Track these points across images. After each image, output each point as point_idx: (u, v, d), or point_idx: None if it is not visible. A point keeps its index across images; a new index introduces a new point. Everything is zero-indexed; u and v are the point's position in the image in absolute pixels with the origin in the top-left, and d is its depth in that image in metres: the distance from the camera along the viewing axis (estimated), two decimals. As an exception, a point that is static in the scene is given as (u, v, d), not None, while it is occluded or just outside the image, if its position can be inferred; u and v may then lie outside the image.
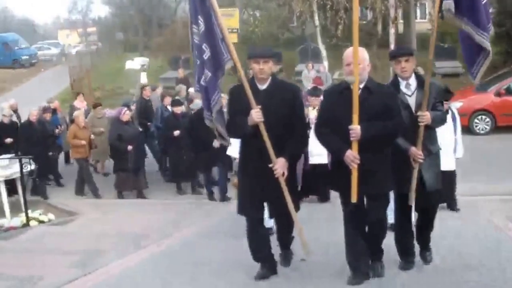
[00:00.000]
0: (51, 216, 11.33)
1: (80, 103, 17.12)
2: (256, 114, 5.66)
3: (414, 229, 6.72)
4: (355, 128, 5.54)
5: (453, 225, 8.54)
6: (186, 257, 7.26)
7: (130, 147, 12.38)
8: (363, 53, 5.78)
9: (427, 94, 6.06)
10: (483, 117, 18.24)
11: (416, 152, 6.10)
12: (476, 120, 18.28)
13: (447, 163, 9.12)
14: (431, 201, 6.47)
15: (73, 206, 12.07)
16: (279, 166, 5.73)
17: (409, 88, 6.19)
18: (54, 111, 15.12)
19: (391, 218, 6.96)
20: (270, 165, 5.71)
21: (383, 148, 5.77)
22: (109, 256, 7.47)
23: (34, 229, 10.14)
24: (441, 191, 6.66)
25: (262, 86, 5.88)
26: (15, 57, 44.24)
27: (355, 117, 5.53)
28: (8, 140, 13.46)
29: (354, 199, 5.61)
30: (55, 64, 47.30)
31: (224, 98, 6.74)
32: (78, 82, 31.06)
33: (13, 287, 6.17)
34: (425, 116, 6.05)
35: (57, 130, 14.50)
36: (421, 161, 6.14)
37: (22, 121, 14.50)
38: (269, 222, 7.48)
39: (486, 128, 18.06)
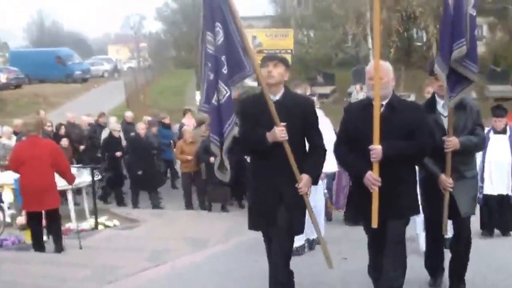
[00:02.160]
0: (116, 222, 12.66)
1: (188, 120, 18.03)
2: (280, 132, 5.40)
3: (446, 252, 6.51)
4: (376, 148, 5.28)
5: (502, 254, 8.30)
6: (240, 258, 8.09)
7: (212, 159, 13.25)
8: (387, 67, 5.55)
9: (451, 118, 5.86)
10: None
11: (445, 180, 5.91)
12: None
13: (501, 187, 9.50)
14: (463, 227, 6.21)
15: (134, 215, 13.36)
16: (304, 184, 5.55)
17: (446, 109, 5.99)
18: (164, 125, 16.79)
19: (422, 245, 7.08)
20: (296, 185, 5.51)
21: (407, 169, 5.55)
22: (175, 253, 8.65)
23: (103, 232, 11.42)
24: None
25: (275, 97, 5.59)
26: (68, 72, 45.69)
27: (376, 136, 5.28)
28: (118, 153, 14.92)
29: (374, 224, 5.37)
30: (107, 79, 49.12)
31: None
32: (133, 98, 32.60)
33: (97, 273, 7.36)
34: (451, 142, 5.85)
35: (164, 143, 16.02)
36: (450, 190, 5.93)
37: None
38: (300, 240, 7.74)
39: None
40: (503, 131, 9.67)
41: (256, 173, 5.71)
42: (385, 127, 5.28)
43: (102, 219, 12.48)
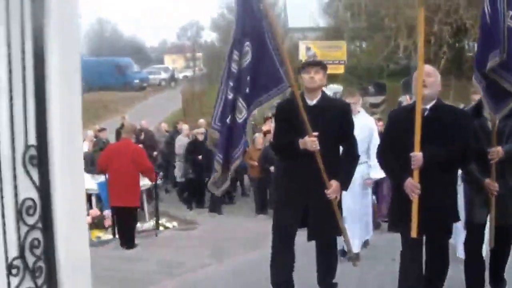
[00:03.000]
0: (174, 223, 13.43)
1: (268, 127, 18.39)
2: (311, 143, 5.47)
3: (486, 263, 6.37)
4: (416, 155, 5.20)
5: None
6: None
7: (272, 168, 13.95)
8: (434, 70, 5.60)
9: (495, 129, 5.75)
10: None
11: (491, 184, 5.81)
12: None
13: None
14: (504, 237, 6.07)
15: (191, 217, 14.12)
16: (333, 190, 5.61)
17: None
18: None
19: (461, 253, 6.92)
20: (325, 190, 5.58)
21: (449, 176, 5.46)
22: (234, 252, 9.33)
23: (164, 232, 12.21)
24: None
25: (312, 102, 5.69)
26: (127, 80, 47.12)
27: (417, 142, 5.21)
28: (200, 157, 15.68)
29: (414, 233, 5.24)
30: (164, 88, 50.27)
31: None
32: (189, 106, 33.55)
33: (164, 267, 8.10)
34: (495, 152, 5.74)
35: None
36: (495, 193, 5.82)
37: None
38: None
39: None
40: None
41: (286, 177, 5.80)
42: (428, 132, 5.20)
43: (162, 220, 13.23)
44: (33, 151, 3.66)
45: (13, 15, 3.50)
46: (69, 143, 3.92)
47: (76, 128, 4.08)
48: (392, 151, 5.50)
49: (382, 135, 5.92)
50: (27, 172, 3.63)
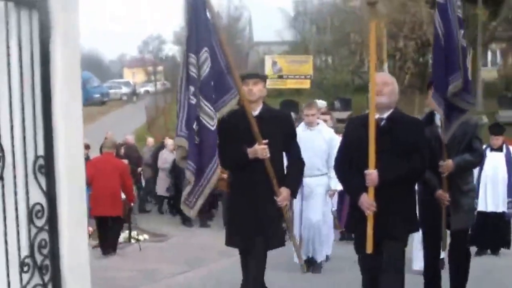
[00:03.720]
0: (146, 236, 13.95)
1: None
2: (262, 151, 5.49)
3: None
4: (371, 174, 5.18)
5: (496, 275, 8.49)
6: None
7: None
8: (391, 79, 5.61)
9: (444, 142, 5.89)
10: None
11: (442, 195, 5.99)
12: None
13: (495, 204, 9.67)
14: (457, 241, 6.27)
15: (161, 230, 14.65)
16: (283, 198, 5.64)
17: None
18: None
19: (420, 265, 7.33)
20: (275, 198, 5.61)
21: (405, 188, 5.46)
22: (208, 259, 9.87)
23: (136, 244, 12.72)
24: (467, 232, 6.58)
25: (254, 112, 5.68)
26: (87, 95, 46.09)
27: (372, 159, 5.20)
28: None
29: (369, 249, 5.26)
30: (125, 103, 50.45)
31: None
32: (154, 121, 33.92)
33: (145, 275, 8.63)
34: (444, 166, 5.91)
35: None
36: (447, 203, 6.01)
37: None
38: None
39: None
40: (499, 149, 9.95)
41: (235, 188, 5.79)
42: (384, 142, 5.18)
43: (133, 233, 13.73)
44: (41, 161, 4.20)
45: (23, 31, 4.06)
46: (71, 154, 4.47)
47: (78, 140, 4.66)
48: (349, 163, 5.48)
49: (339, 146, 5.83)
50: (37, 180, 4.17)
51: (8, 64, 3.98)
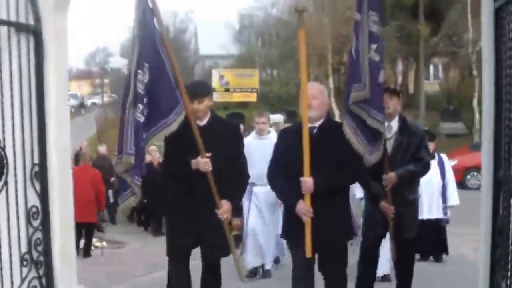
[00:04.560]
0: (104, 243, 14.34)
1: None
2: (204, 164, 5.31)
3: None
4: (307, 181, 5.10)
5: (438, 282, 8.44)
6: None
7: None
8: (321, 88, 5.53)
9: (387, 157, 5.65)
10: (475, 173, 20.89)
11: (386, 207, 5.88)
12: (468, 176, 21.09)
13: (431, 211, 9.48)
14: (405, 251, 6.17)
15: (118, 238, 15.03)
16: (224, 210, 5.44)
17: (389, 131, 5.91)
18: None
19: (383, 269, 7.23)
20: (216, 210, 5.39)
21: (340, 195, 5.37)
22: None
23: (96, 250, 13.11)
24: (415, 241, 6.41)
25: (201, 122, 5.49)
26: None
27: (306, 167, 5.12)
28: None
29: (308, 254, 5.16)
30: (73, 115, 50.32)
31: None
32: (104, 132, 34.10)
33: (111, 276, 9.06)
34: (388, 179, 5.74)
35: None
36: (392, 216, 5.89)
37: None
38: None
39: (477, 184, 20.30)
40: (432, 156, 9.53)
41: (177, 200, 5.54)
42: (317, 150, 5.14)
43: (93, 240, 14.09)
44: (37, 168, 4.75)
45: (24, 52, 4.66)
46: (61, 162, 5.03)
47: (66, 150, 5.23)
48: (282, 172, 5.39)
49: (272, 156, 5.64)
50: (33, 185, 4.73)
51: (11, 82, 4.52)
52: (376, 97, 5.39)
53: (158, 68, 5.23)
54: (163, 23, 5.53)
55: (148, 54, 5.19)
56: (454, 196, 9.80)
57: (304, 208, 5.15)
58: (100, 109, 44.14)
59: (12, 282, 4.48)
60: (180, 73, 5.49)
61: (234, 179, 5.60)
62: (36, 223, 4.76)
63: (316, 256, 5.36)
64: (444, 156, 10.05)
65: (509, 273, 3.83)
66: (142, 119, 5.16)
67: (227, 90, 35.82)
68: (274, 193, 7.84)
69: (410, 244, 6.28)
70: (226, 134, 5.63)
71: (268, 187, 7.82)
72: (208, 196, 5.37)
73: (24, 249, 4.63)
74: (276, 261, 9.07)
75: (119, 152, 5.30)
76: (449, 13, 34.68)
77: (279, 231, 8.25)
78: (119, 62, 62.93)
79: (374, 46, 5.44)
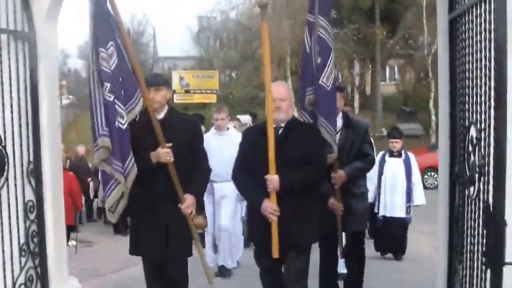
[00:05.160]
0: (73, 242, 14.58)
1: None
2: (165, 155, 5.16)
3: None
4: (272, 179, 5.01)
5: (397, 277, 8.49)
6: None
7: None
8: (287, 89, 5.36)
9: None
10: (433, 173, 21.74)
11: (335, 204, 5.96)
12: (426, 176, 21.75)
13: (396, 209, 9.54)
14: (353, 244, 6.30)
15: (87, 237, 15.28)
16: (188, 205, 5.31)
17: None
18: None
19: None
20: (179, 205, 5.26)
21: (306, 195, 5.23)
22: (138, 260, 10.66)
23: (70, 248, 13.36)
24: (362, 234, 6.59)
25: (159, 116, 5.35)
26: None
27: (272, 164, 5.01)
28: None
29: (275, 254, 5.07)
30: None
31: None
32: (66, 134, 34.00)
33: (85, 272, 9.34)
34: (336, 177, 5.82)
35: None
36: (340, 213, 5.98)
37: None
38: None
39: (435, 183, 21.02)
40: (399, 155, 9.84)
41: (139, 196, 5.32)
42: (282, 150, 5.07)
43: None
44: (32, 166, 5.14)
45: (20, 57, 5.06)
46: (53, 160, 5.42)
47: (58, 148, 5.62)
48: (247, 172, 5.32)
49: (236, 156, 5.55)
50: (29, 181, 5.11)
51: (10, 85, 4.90)
52: (320, 100, 5.67)
53: (119, 50, 5.09)
54: (117, 8, 5.23)
55: (110, 33, 5.04)
56: (420, 195, 9.88)
57: (270, 206, 5.05)
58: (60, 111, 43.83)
59: (12, 271, 4.84)
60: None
61: (195, 173, 5.53)
62: (32, 216, 5.13)
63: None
64: (411, 154, 10.08)
65: (464, 257, 4.25)
66: (111, 98, 4.97)
67: (187, 91, 36.14)
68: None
69: (360, 238, 6.46)
70: (185, 128, 5.49)
71: (230, 183, 7.71)
72: (171, 191, 5.26)
73: (22, 240, 4.99)
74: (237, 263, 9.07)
75: (95, 139, 5.05)
76: (405, 16, 35.69)
77: (239, 229, 8.91)
78: (77, 64, 62.58)
79: (318, 49, 5.67)
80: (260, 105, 38.83)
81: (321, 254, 6.38)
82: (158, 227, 5.28)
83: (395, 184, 9.65)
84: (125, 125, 5.05)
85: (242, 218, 8.94)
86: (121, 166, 5.05)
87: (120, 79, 5.03)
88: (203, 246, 9.23)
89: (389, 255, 10.09)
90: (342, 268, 7.13)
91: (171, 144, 5.20)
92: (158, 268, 5.47)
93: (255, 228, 5.41)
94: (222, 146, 8.10)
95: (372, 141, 6.60)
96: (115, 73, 4.98)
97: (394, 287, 7.98)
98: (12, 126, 4.92)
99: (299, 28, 31.97)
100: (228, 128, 8.70)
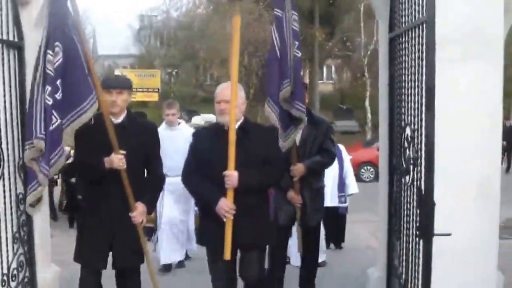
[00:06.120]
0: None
1: None
2: (118, 161, 5.03)
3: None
4: (231, 175, 4.93)
5: (338, 266, 8.69)
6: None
7: None
8: (239, 91, 5.18)
9: (295, 149, 5.78)
10: (368, 167, 22.61)
11: (294, 197, 6.09)
12: (362, 170, 22.58)
13: (330, 199, 9.36)
14: (311, 238, 6.40)
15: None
16: (138, 213, 5.17)
17: None
18: None
19: (294, 261, 7.50)
20: (130, 214, 5.14)
21: (261, 195, 5.26)
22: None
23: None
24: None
25: (117, 120, 5.22)
26: None
27: (231, 161, 4.95)
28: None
29: (227, 256, 4.97)
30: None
31: None
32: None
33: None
34: (295, 170, 5.90)
35: None
36: (299, 205, 6.10)
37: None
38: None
39: (370, 177, 22.24)
40: None
41: (90, 202, 5.27)
42: (237, 151, 4.98)
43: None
44: (21, 161, 5.65)
45: (12, 65, 5.54)
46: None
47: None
48: (198, 174, 5.24)
49: (187, 158, 5.46)
50: (20, 176, 5.62)
51: (4, 91, 5.41)
52: (299, 90, 5.82)
53: (71, 51, 4.97)
54: (77, 8, 5.20)
55: (61, 35, 4.93)
56: (353, 184, 10.01)
57: (227, 204, 4.97)
58: None
59: (8, 256, 5.30)
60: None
61: (149, 181, 5.43)
62: (22, 206, 5.53)
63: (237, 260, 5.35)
64: (341, 146, 10.11)
65: (401, 235, 5.14)
66: (50, 102, 4.88)
67: (130, 90, 36.37)
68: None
69: (316, 231, 6.58)
70: (142, 134, 5.37)
71: (180, 177, 7.95)
72: (122, 198, 5.14)
73: (15, 229, 5.45)
74: (186, 256, 9.10)
75: (28, 138, 5.02)
76: (343, 19, 36.77)
77: (189, 221, 9.01)
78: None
79: (296, 43, 5.82)
80: (201, 102, 39.42)
81: (270, 252, 6.33)
82: (104, 234, 5.18)
83: (329, 175, 9.32)
84: (54, 127, 4.91)
85: (195, 212, 8.98)
86: (47, 169, 4.95)
87: (59, 82, 4.91)
88: (149, 240, 9.28)
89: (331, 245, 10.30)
90: (296, 262, 7.40)
91: (125, 152, 5.10)
92: (96, 280, 5.37)
93: (207, 230, 5.29)
94: (174, 141, 8.14)
95: (334, 138, 6.67)
96: (56, 74, 4.90)
97: (336, 274, 8.34)
98: (6, 127, 5.34)
99: (241, 29, 32.54)
100: (179, 123, 8.76)
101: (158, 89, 36.52)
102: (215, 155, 5.10)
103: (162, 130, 8.27)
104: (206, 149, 5.21)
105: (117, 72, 37.65)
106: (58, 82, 4.89)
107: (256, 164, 5.08)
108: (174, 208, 8.63)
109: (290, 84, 5.72)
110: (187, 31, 39.65)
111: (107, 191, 5.17)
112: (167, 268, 8.56)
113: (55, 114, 4.88)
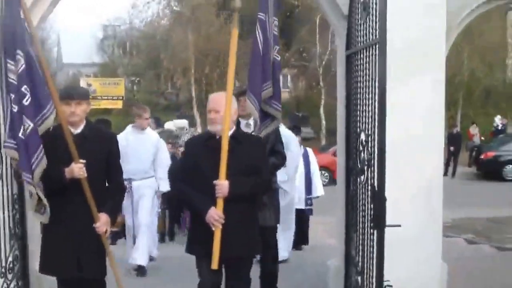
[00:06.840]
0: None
1: None
2: (78, 170, 4.89)
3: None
4: (222, 184, 4.86)
5: (300, 268, 8.56)
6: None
7: None
8: (222, 101, 5.03)
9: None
10: (323, 172, 22.27)
11: None
12: (318, 175, 23.03)
13: (298, 203, 9.44)
14: (267, 238, 6.25)
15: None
16: (102, 223, 5.02)
17: (249, 127, 6.15)
18: None
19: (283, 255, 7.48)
20: (94, 225, 4.98)
21: (250, 204, 5.16)
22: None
23: None
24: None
25: (76, 130, 5.08)
26: None
27: (222, 170, 4.87)
28: None
29: (214, 265, 4.90)
30: None
31: None
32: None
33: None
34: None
35: None
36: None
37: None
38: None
39: (325, 181, 22.02)
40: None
41: (54, 212, 5.05)
42: (229, 161, 4.92)
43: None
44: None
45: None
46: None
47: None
48: (187, 183, 5.16)
49: (181, 166, 5.41)
50: (15, 178, 5.88)
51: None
52: (277, 90, 5.93)
53: (31, 59, 4.93)
54: (30, 16, 5.15)
55: (20, 42, 4.88)
56: (319, 187, 10.07)
57: (216, 213, 4.89)
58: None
59: (6, 251, 5.57)
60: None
61: (111, 190, 5.32)
62: (16, 205, 5.84)
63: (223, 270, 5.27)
64: (309, 149, 10.28)
65: (357, 228, 5.56)
66: (16, 109, 4.87)
67: (94, 97, 36.36)
68: (154, 186, 8.46)
69: (273, 232, 6.62)
70: (102, 143, 5.25)
71: (147, 180, 8.19)
72: (85, 209, 5.01)
73: (12, 226, 5.74)
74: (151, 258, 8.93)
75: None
76: (299, 31, 37.32)
77: (155, 223, 9.06)
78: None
79: (277, 47, 5.98)
80: (163, 110, 39.66)
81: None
82: (70, 245, 5.03)
83: (296, 178, 9.39)
84: (28, 132, 4.89)
85: (157, 213, 9.06)
86: (30, 177, 4.94)
87: (24, 87, 4.88)
88: (114, 242, 9.81)
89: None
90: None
91: (84, 161, 4.96)
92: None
93: (197, 240, 5.18)
94: (140, 145, 8.12)
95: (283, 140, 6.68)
96: (19, 81, 4.87)
97: (298, 267, 8.51)
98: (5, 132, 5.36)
99: (203, 40, 33.18)
100: (145, 128, 8.60)
101: (123, 97, 36.61)
102: (204, 164, 5.05)
103: (129, 134, 8.38)
104: (197, 157, 5.15)
105: (82, 81, 37.73)
106: (24, 88, 4.89)
107: (246, 174, 5.04)
108: (141, 211, 8.46)
109: (271, 86, 5.86)
110: (150, 41, 39.84)
111: (71, 201, 5.05)
112: (142, 269, 8.42)
113: (26, 119, 4.87)
